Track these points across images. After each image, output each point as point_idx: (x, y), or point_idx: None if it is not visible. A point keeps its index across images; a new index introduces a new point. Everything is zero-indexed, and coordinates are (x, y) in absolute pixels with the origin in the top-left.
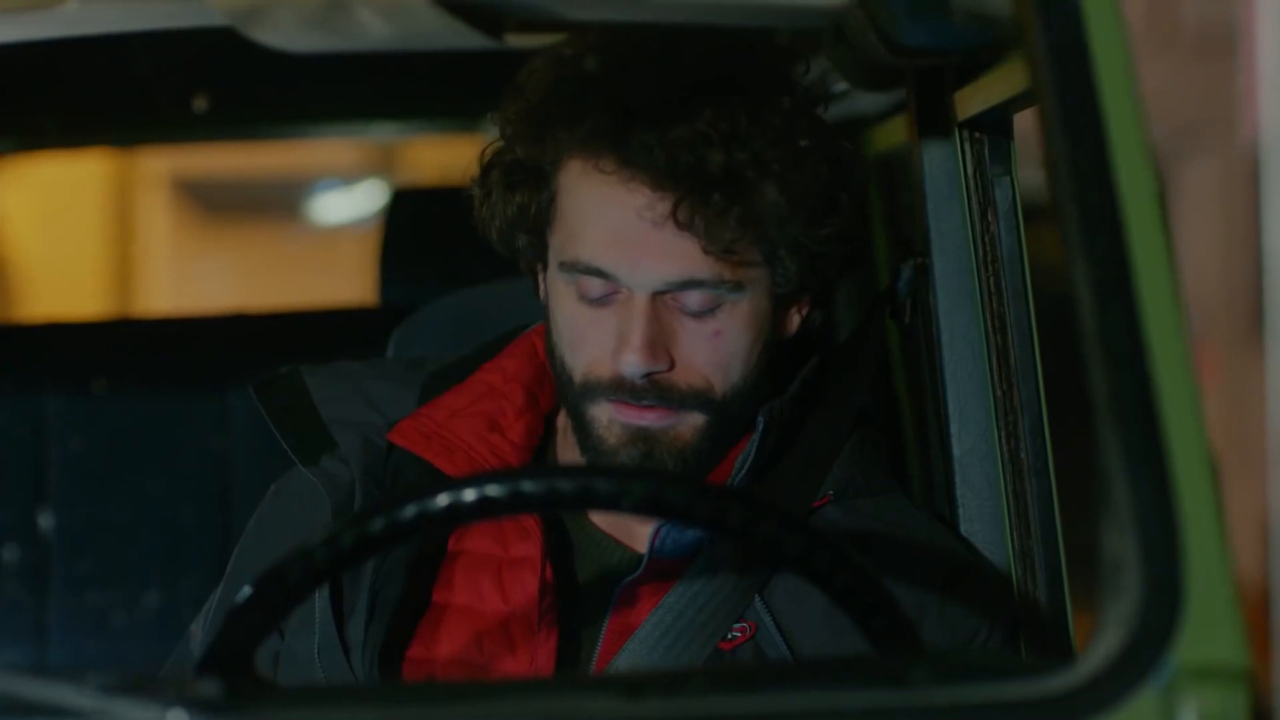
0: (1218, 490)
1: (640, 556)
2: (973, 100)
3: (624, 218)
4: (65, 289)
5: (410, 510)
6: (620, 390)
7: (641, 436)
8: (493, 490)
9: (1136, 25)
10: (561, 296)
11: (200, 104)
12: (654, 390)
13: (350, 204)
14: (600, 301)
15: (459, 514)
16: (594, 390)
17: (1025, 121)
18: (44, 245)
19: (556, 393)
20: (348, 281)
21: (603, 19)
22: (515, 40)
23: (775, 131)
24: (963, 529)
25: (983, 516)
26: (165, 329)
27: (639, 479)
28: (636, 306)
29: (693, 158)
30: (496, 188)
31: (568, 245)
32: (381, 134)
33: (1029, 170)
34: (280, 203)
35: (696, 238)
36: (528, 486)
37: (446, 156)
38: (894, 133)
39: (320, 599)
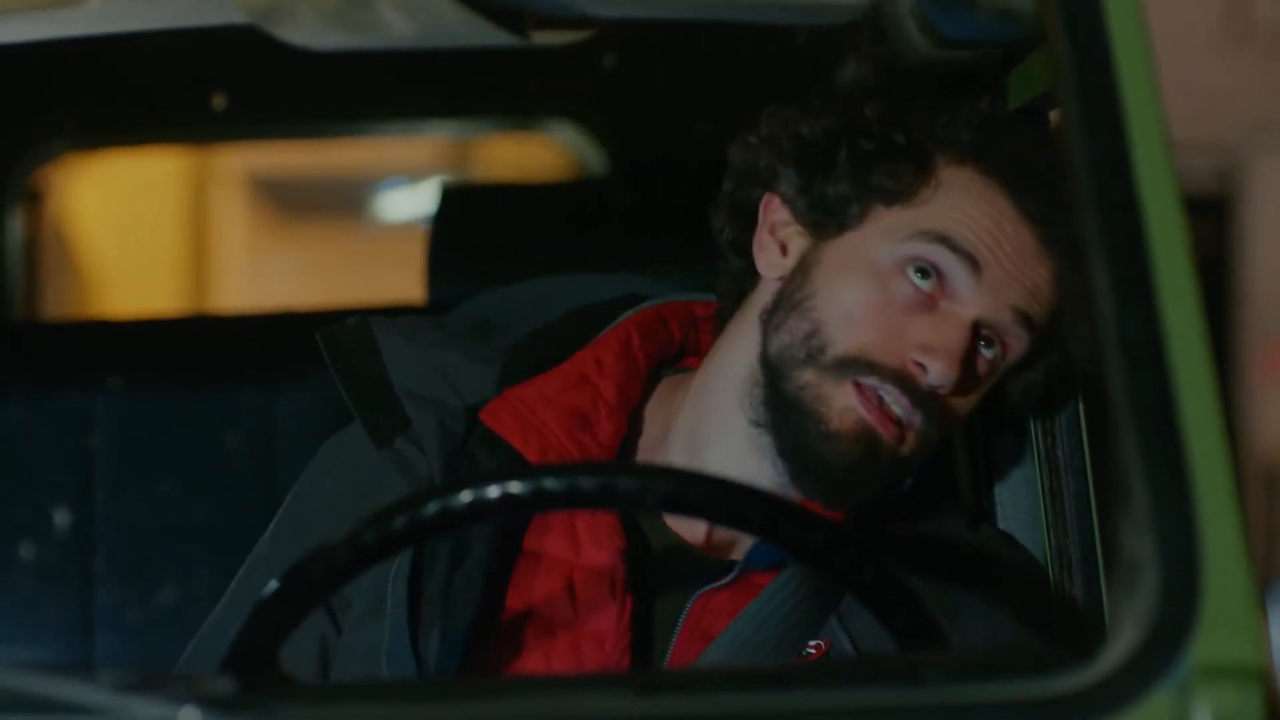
0: (1236, 489)
1: (721, 565)
2: (1010, 95)
3: (1003, 231)
4: (141, 286)
5: (432, 507)
6: (898, 383)
7: (871, 438)
8: (515, 488)
9: (1213, 23)
10: (875, 267)
11: (267, 102)
12: (927, 403)
13: (425, 201)
14: (923, 290)
15: (482, 510)
16: (854, 369)
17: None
18: (119, 243)
19: (770, 351)
20: (420, 278)
21: (628, 15)
22: (539, 37)
23: None
24: (999, 527)
25: (1019, 515)
26: (215, 326)
27: (662, 476)
28: (964, 320)
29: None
30: (865, 133)
31: (934, 219)
32: (454, 132)
33: None
34: (355, 200)
35: (1045, 278)
36: (550, 484)
37: (520, 154)
38: None
39: (394, 595)
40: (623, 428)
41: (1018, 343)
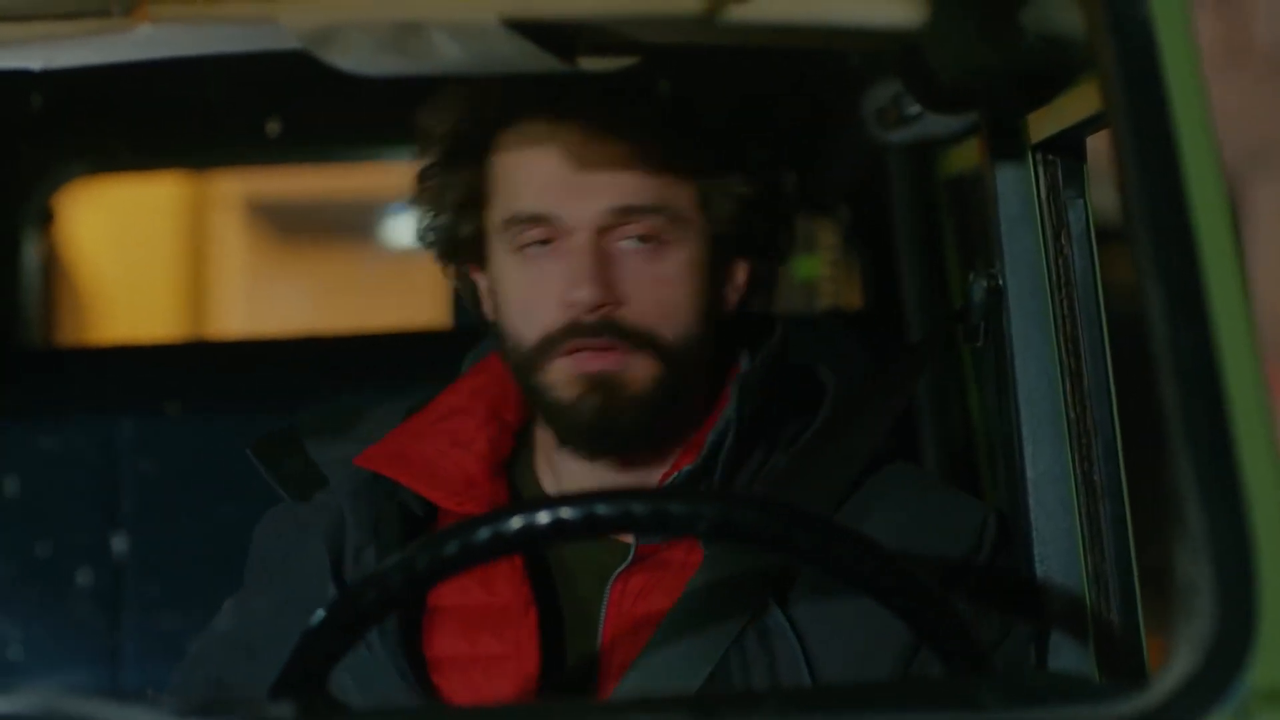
0: None
1: (617, 546)
2: (1046, 123)
3: (557, 161)
4: (139, 311)
5: (484, 533)
6: (576, 334)
7: (599, 383)
8: (566, 513)
9: (1209, 46)
10: (506, 267)
11: (273, 127)
12: (607, 328)
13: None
14: (544, 254)
15: (531, 535)
16: (550, 346)
17: (1094, 142)
18: (119, 267)
19: (517, 378)
20: (420, 304)
21: (675, 43)
22: (588, 64)
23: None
24: (1036, 551)
25: (1056, 539)
26: (238, 351)
27: (710, 503)
28: (580, 243)
29: (620, 100)
30: (435, 185)
31: (506, 205)
32: None
33: (1099, 192)
34: (354, 225)
35: (630, 167)
36: (602, 509)
37: None
38: (965, 156)
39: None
40: (501, 441)
41: (654, 220)
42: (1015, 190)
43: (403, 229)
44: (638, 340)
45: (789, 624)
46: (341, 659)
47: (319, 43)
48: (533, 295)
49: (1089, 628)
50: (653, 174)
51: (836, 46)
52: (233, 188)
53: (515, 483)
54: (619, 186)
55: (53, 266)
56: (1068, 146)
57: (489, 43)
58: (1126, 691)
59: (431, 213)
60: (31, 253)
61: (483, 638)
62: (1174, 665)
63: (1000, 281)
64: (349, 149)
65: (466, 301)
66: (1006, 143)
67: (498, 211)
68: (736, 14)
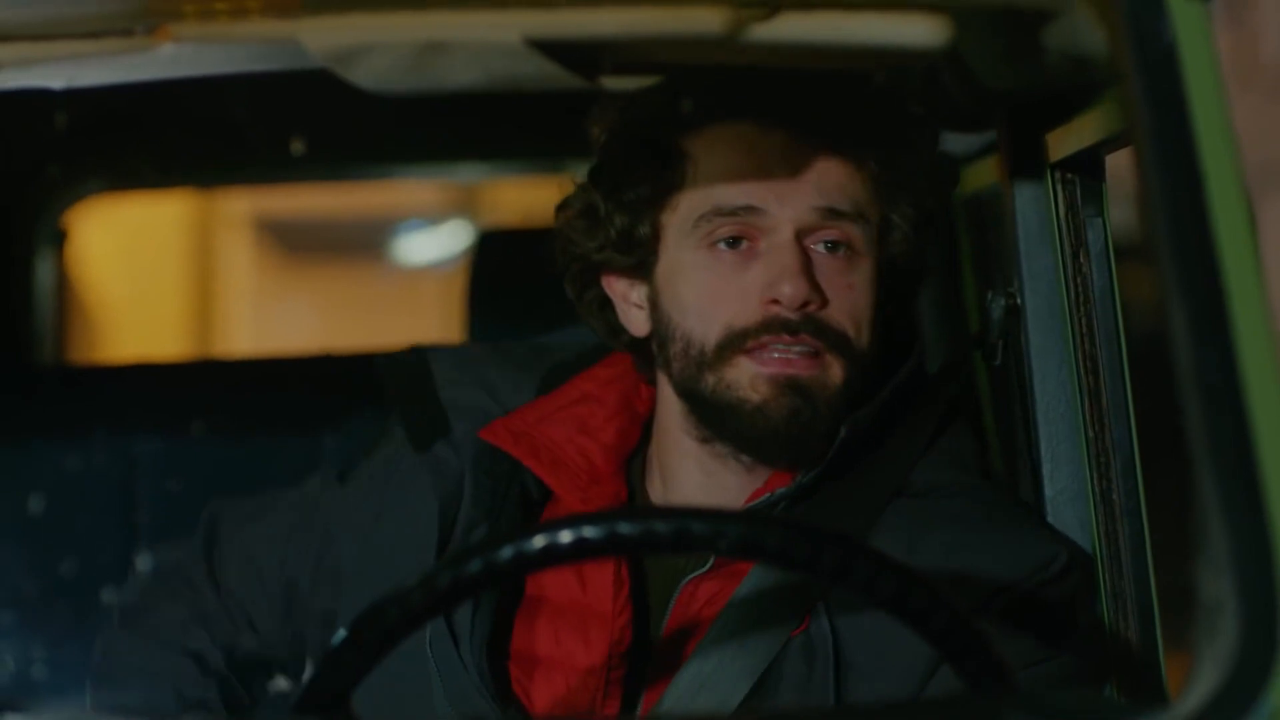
0: None
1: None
2: (1065, 141)
3: (765, 158)
4: (148, 329)
5: (507, 552)
6: (775, 328)
7: (792, 386)
8: (589, 532)
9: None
10: (692, 265)
11: (285, 145)
12: (810, 325)
13: (432, 245)
14: (735, 253)
15: (555, 555)
16: (737, 344)
17: (1113, 160)
18: (127, 285)
19: (679, 385)
20: (429, 323)
21: (698, 62)
22: (610, 83)
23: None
24: None
25: None
26: (253, 369)
27: (734, 522)
28: (785, 241)
29: (826, 107)
30: (609, 186)
31: (703, 200)
32: (465, 176)
33: (1118, 210)
34: (362, 243)
35: (834, 171)
36: (624, 528)
37: (527, 197)
38: (983, 173)
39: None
40: (630, 431)
41: (850, 227)
42: (1034, 208)
43: (412, 247)
44: (836, 341)
45: (831, 634)
46: (363, 678)
47: (342, 63)
48: (722, 292)
49: (1108, 647)
50: (852, 181)
51: (859, 67)
52: (241, 206)
53: (632, 482)
54: (825, 188)
55: (65, 284)
56: (1086, 165)
57: (511, 62)
58: (1150, 710)
59: (592, 222)
60: (46, 270)
61: (568, 638)
62: (1198, 683)
63: (1019, 300)
64: (360, 167)
65: (593, 325)
66: (1025, 161)
67: (689, 209)
68: (758, 34)
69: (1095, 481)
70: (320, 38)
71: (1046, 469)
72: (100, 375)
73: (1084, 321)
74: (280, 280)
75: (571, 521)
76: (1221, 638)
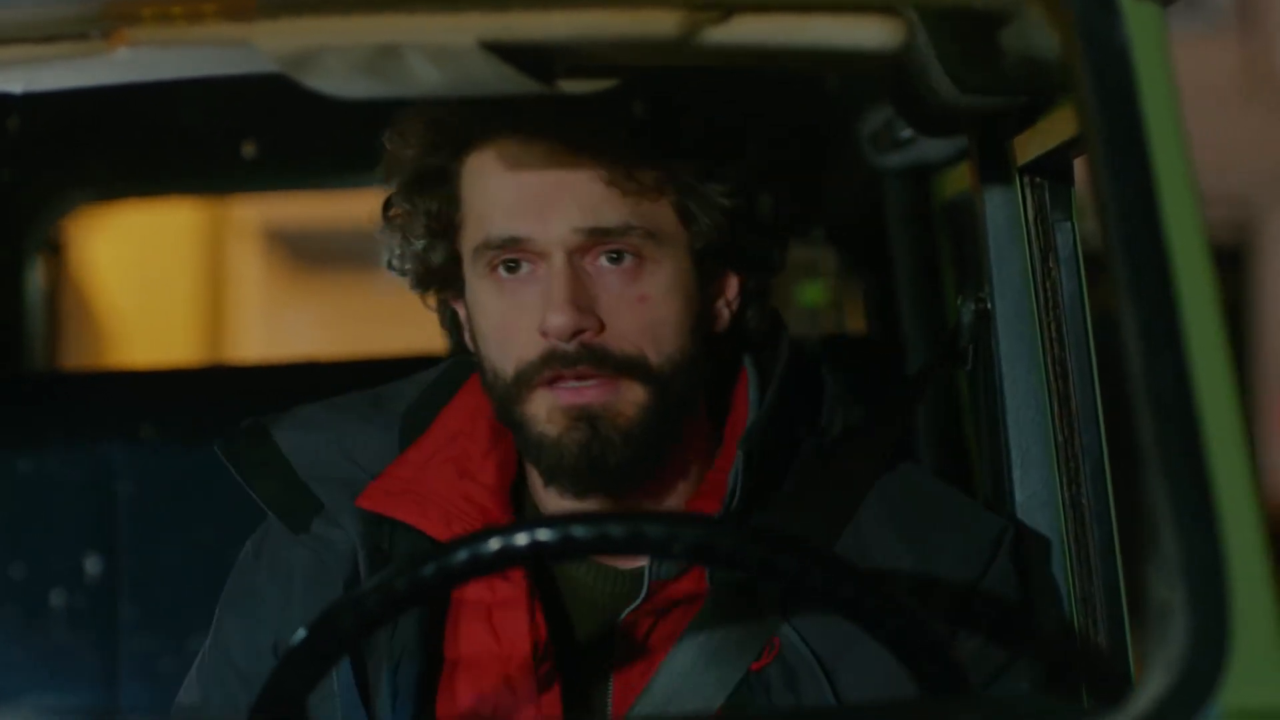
0: (1264, 535)
1: (628, 575)
2: (1032, 145)
3: (524, 182)
4: (157, 337)
5: (461, 554)
6: (553, 363)
7: (583, 417)
8: (543, 535)
9: (1228, 76)
10: (481, 294)
11: (279, 152)
12: (587, 355)
13: None
14: (517, 279)
15: (510, 556)
16: (529, 378)
17: (1084, 166)
18: (137, 293)
19: (497, 413)
20: (436, 330)
21: (654, 65)
22: (567, 86)
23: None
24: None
25: (1045, 561)
26: (254, 376)
27: (690, 525)
28: (554, 267)
29: (586, 118)
30: (404, 213)
31: (477, 230)
32: None
33: (1091, 215)
34: (371, 252)
35: (597, 186)
36: (579, 531)
37: None
38: (959, 179)
39: (342, 677)
40: (509, 462)
41: (629, 238)
42: (1003, 213)
43: None
44: (620, 366)
45: (809, 651)
46: (318, 684)
47: (294, 66)
48: (508, 323)
49: (1076, 650)
50: (622, 192)
51: (813, 70)
52: (250, 215)
53: (525, 509)
54: (587, 206)
55: (59, 293)
56: (1054, 169)
57: (466, 65)
58: (1100, 713)
59: (402, 241)
60: (35, 279)
61: (496, 690)
62: (1147, 687)
63: (989, 304)
64: (362, 175)
65: (447, 331)
66: (994, 165)
67: (469, 237)
68: (713, 36)
69: (1065, 486)
70: (274, 41)
71: (1017, 474)
72: (93, 381)
73: (1053, 326)
74: (289, 289)
75: (528, 525)
76: (1171, 642)
